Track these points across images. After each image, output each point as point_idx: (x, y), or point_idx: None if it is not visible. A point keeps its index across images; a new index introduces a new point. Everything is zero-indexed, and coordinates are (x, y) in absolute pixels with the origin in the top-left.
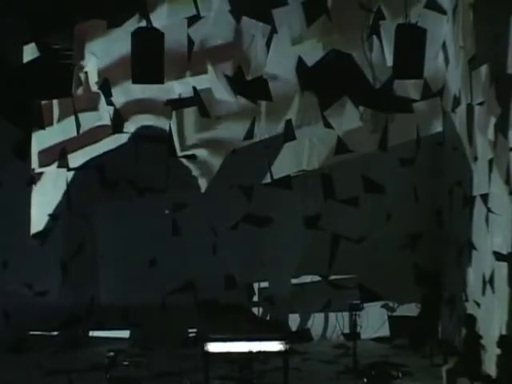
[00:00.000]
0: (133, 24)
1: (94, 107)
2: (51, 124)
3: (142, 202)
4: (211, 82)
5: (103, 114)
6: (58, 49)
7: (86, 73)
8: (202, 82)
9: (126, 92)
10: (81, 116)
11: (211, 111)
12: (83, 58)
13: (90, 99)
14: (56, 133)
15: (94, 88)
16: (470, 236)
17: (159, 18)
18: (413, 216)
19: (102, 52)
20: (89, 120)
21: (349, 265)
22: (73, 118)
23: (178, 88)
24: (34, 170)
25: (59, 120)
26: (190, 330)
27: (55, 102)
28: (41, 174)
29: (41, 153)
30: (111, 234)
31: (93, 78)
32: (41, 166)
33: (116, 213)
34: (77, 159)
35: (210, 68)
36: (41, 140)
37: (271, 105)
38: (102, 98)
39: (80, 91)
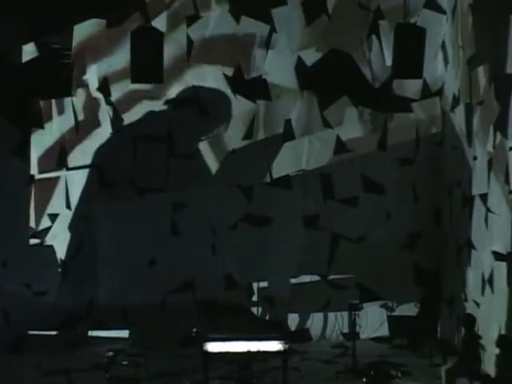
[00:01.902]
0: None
1: (94, 113)
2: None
3: (142, 201)
4: (210, 81)
5: (103, 115)
6: (58, 48)
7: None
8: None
9: (125, 92)
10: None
11: (210, 111)
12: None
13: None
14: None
15: (95, 94)
16: (469, 236)
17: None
18: (412, 216)
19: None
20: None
21: (348, 265)
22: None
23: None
24: (33, 176)
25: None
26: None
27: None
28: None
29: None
30: (111, 234)
31: (93, 85)
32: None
33: (116, 213)
34: (76, 159)
35: (209, 68)
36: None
37: (271, 104)
38: (103, 100)
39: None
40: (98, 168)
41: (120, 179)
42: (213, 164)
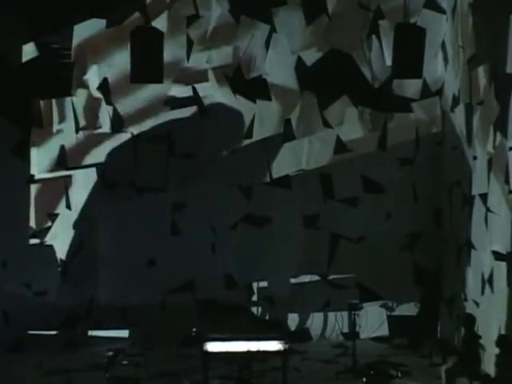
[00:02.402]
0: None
1: (95, 113)
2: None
3: (141, 202)
4: (210, 81)
5: (103, 115)
6: (58, 48)
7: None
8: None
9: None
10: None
11: (210, 111)
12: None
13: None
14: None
15: (96, 94)
16: (469, 235)
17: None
18: (412, 216)
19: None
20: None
21: (348, 264)
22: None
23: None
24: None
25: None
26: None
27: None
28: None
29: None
30: (111, 234)
31: (94, 84)
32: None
33: (116, 213)
34: (76, 159)
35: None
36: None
37: (270, 104)
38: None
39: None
40: (99, 168)
41: (120, 179)
42: (213, 164)
